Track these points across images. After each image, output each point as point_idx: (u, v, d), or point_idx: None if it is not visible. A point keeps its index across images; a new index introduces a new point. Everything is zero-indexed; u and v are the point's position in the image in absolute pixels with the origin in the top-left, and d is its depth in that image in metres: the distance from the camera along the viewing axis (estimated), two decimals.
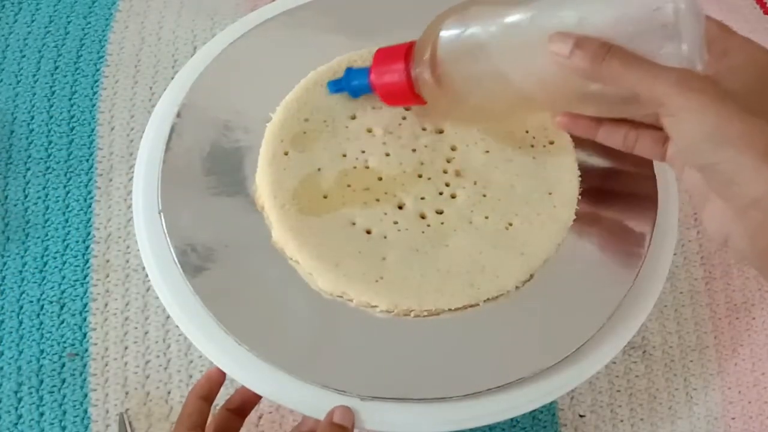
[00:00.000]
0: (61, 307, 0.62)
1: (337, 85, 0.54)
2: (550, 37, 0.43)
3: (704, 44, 0.41)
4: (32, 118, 0.68)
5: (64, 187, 0.66)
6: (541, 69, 0.44)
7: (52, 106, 0.68)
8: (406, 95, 0.50)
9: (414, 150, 0.53)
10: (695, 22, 0.41)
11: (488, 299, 0.50)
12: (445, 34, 0.47)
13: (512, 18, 0.45)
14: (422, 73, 0.49)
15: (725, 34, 0.44)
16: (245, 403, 0.53)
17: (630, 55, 0.41)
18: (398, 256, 0.50)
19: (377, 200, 0.52)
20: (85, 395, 0.59)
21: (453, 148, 0.54)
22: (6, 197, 0.65)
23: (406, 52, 0.50)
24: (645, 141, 0.46)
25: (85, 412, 0.59)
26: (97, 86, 0.69)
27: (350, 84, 0.53)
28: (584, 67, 0.42)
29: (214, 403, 0.52)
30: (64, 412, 0.59)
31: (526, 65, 0.45)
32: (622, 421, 0.60)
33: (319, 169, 0.52)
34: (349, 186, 0.52)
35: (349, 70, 0.53)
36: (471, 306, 0.50)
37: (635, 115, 0.46)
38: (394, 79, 0.50)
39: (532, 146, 0.54)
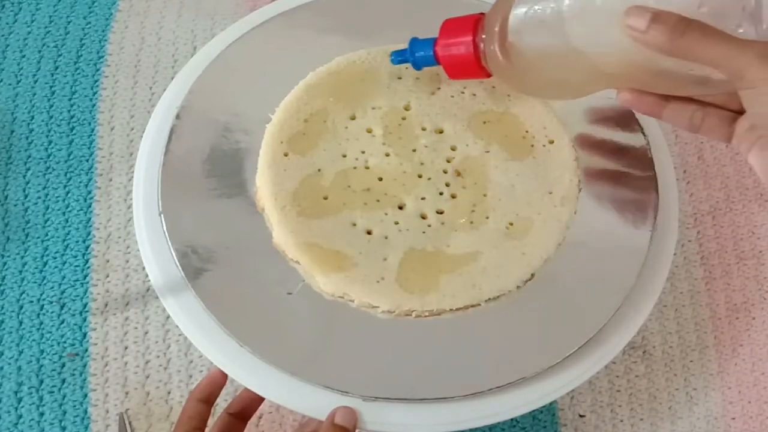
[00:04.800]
0: (61, 307, 0.62)
1: (400, 56, 0.53)
2: (626, 10, 0.42)
3: None
4: (32, 118, 0.68)
5: (64, 187, 0.66)
6: (615, 43, 0.43)
7: (52, 106, 0.68)
8: (473, 68, 0.49)
9: (414, 150, 0.53)
10: None
11: (489, 299, 0.50)
12: (517, 5, 0.46)
13: None
14: (491, 46, 0.47)
15: None
16: (247, 408, 0.53)
17: (710, 29, 0.40)
18: (399, 257, 0.50)
19: (378, 201, 0.52)
20: (85, 395, 0.59)
21: (453, 148, 0.54)
22: (6, 197, 0.65)
23: (474, 24, 0.48)
24: (712, 121, 0.46)
25: (85, 412, 0.59)
26: (97, 86, 0.69)
27: (414, 55, 0.52)
28: (661, 41, 0.41)
29: (214, 405, 0.52)
30: (64, 412, 0.59)
31: (600, 39, 0.44)
32: (622, 421, 0.60)
33: (319, 170, 0.52)
34: (349, 187, 0.52)
35: (414, 41, 0.52)
36: (472, 306, 0.50)
37: (706, 93, 0.46)
38: (461, 51, 0.49)
39: (532, 146, 0.54)
